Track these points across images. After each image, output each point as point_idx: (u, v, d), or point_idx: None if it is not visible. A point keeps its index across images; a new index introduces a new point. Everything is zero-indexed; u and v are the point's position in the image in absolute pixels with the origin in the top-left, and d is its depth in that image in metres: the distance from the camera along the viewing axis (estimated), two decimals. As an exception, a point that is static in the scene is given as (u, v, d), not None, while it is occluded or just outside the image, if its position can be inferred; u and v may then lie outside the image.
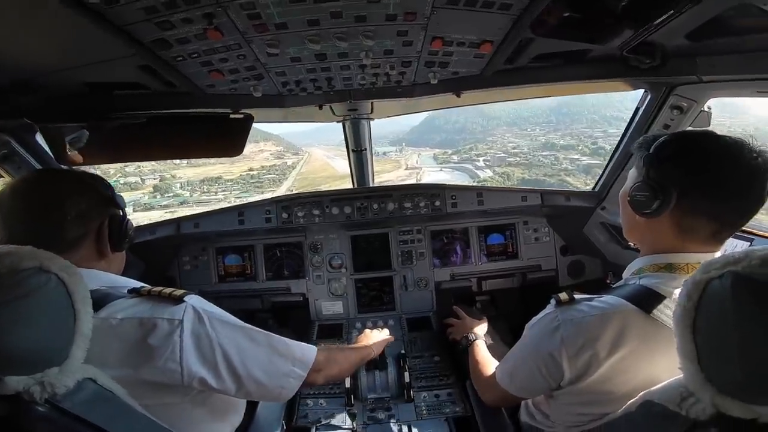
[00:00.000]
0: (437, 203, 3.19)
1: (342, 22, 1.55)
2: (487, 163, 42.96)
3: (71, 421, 0.99)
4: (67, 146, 2.23)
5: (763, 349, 0.79)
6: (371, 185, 3.81)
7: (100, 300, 1.30)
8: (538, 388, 1.58)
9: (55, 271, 1.02)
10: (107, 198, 1.53)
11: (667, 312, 1.25)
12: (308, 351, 1.75)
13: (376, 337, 2.53)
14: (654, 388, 1.08)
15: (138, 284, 1.51)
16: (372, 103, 2.84)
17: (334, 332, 3.07)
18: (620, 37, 1.66)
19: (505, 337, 2.83)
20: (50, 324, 0.99)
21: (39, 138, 2.32)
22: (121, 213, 1.57)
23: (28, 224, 1.36)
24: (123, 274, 1.63)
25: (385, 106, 2.96)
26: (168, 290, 1.42)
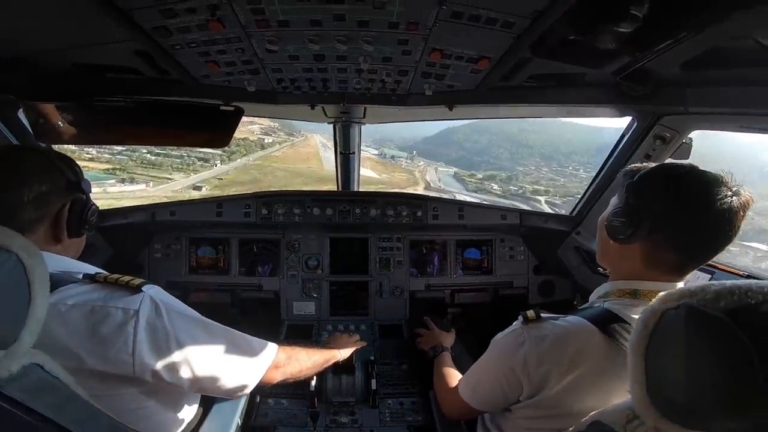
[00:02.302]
0: (419, 213, 3.19)
1: (344, 25, 1.55)
2: (555, 208, 26.81)
3: (12, 408, 0.92)
4: (49, 125, 2.18)
5: (706, 377, 0.82)
6: (356, 189, 3.82)
7: (50, 285, 1.25)
8: (498, 402, 1.61)
9: (15, 251, 0.95)
10: (72, 182, 1.46)
11: (626, 336, 1.30)
12: (268, 347, 1.72)
13: (346, 341, 2.52)
14: (603, 409, 1.11)
15: (94, 270, 1.46)
16: (365, 108, 2.84)
17: (304, 333, 3.02)
18: (617, 62, 1.69)
19: (472, 349, 2.84)
20: (1, 306, 0.92)
21: (21, 115, 2.25)
22: (85, 198, 1.50)
23: None
24: (87, 260, 1.56)
25: (378, 111, 2.96)
26: (126, 278, 1.37)
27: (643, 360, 0.93)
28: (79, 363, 1.25)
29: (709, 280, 2.05)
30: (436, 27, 1.53)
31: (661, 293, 0.95)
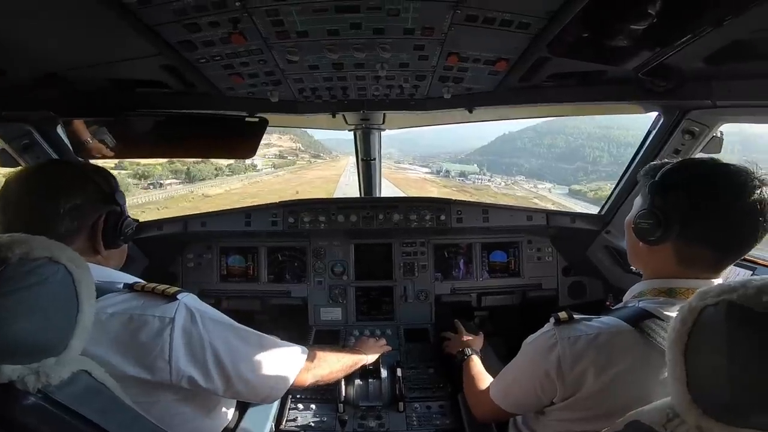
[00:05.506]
0: (442, 217, 3.18)
1: (360, 33, 1.58)
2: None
3: (62, 413, 0.97)
4: (86, 140, 2.29)
5: (750, 373, 0.81)
6: (377, 195, 3.86)
7: None
8: (531, 405, 1.59)
9: (64, 262, 1.00)
10: (107, 194, 1.51)
11: (662, 334, 1.27)
12: (298, 350, 1.76)
13: (372, 345, 2.55)
14: (642, 408, 1.09)
15: (132, 279, 1.51)
16: (384, 114, 2.87)
17: (332, 338, 3.06)
18: (637, 58, 1.66)
19: (500, 353, 2.82)
20: (53, 315, 0.97)
21: (60, 130, 2.37)
22: (120, 209, 1.55)
23: (22, 214, 1.35)
24: (126, 270, 1.61)
25: (397, 117, 2.99)
26: (162, 287, 1.41)
27: (683, 357, 0.92)
28: (119, 370, 1.29)
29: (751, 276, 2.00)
30: (451, 31, 1.54)
31: (700, 289, 0.94)
